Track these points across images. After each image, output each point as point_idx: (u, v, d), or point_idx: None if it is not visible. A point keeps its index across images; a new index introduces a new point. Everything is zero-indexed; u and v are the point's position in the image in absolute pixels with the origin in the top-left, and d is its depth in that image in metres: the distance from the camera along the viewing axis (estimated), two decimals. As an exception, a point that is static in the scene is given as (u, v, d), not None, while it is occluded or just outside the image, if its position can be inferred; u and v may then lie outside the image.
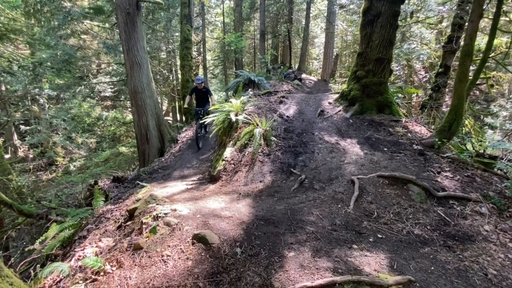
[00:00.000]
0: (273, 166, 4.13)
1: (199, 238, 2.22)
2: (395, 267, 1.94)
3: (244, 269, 1.95)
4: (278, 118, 5.56)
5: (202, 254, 2.11)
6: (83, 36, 13.00)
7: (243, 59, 16.66)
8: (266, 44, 15.94)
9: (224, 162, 4.21)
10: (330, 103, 6.25)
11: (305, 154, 4.37)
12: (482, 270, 2.06)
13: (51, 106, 14.42)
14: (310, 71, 17.38)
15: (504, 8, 4.99)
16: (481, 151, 4.15)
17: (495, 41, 6.81)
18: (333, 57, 13.76)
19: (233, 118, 4.68)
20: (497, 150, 4.72)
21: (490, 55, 6.02)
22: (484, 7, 5.29)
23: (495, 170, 3.59)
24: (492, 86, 6.82)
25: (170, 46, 14.47)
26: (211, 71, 18.02)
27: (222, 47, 14.51)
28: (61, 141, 13.59)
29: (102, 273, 2.16)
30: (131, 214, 3.19)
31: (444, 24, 9.57)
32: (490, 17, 5.80)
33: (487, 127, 7.47)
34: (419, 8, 8.94)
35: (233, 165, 4.19)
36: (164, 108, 20.80)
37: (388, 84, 5.79)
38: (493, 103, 8.06)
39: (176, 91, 15.71)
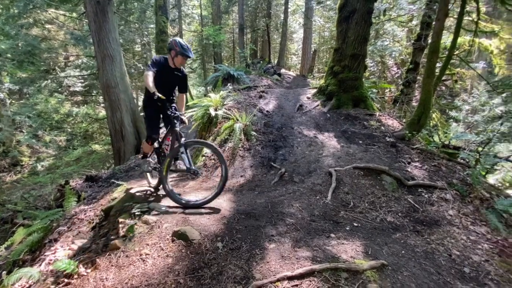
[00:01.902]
0: (254, 161, 4.15)
1: (179, 235, 2.19)
2: (369, 253, 2.04)
3: (225, 263, 1.96)
4: (258, 113, 5.57)
5: (183, 250, 2.09)
6: (47, 26, 12.08)
7: (222, 53, 16.43)
8: (245, 39, 15.81)
9: (204, 157, 4.16)
10: (308, 98, 6.36)
11: (285, 148, 4.43)
12: (447, 251, 2.24)
13: (13, 101, 13.32)
14: (289, 66, 17.54)
15: (468, 8, 5.32)
16: (446, 142, 4.46)
17: (460, 40, 7.28)
18: (311, 52, 13.97)
19: (213, 113, 4.61)
20: (460, 141, 5.10)
21: (455, 53, 6.43)
22: (449, 7, 5.62)
23: (459, 159, 3.89)
24: (456, 81, 7.31)
25: (144, 39, 13.88)
26: (189, 65, 17.57)
27: (200, 41, 14.19)
28: (26, 140, 12.62)
29: (75, 276, 2.06)
30: (106, 214, 3.07)
31: (414, 22, 10.04)
32: (455, 16, 6.18)
33: (452, 120, 8.02)
34: (391, 6, 9.31)
35: (213, 161, 4.15)
36: (140, 103, 20.03)
37: (363, 79, 6.01)
38: (457, 98, 8.65)
39: (152, 85, 15.15)
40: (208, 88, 8.50)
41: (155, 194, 3.28)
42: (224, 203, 2.96)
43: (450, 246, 2.28)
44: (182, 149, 2.88)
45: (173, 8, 13.96)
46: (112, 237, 2.46)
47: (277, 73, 10.87)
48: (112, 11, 7.06)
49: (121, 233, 2.42)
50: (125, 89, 7.33)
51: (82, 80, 13.55)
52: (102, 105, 13.53)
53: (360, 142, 4.02)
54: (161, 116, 3.23)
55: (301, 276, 1.79)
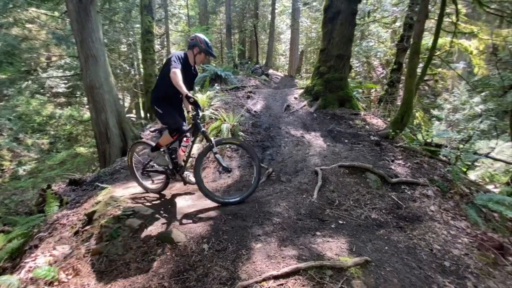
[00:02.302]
0: (242, 161, 4.14)
1: (164, 238, 2.16)
2: (354, 250, 2.07)
3: (211, 265, 1.94)
4: (246, 113, 5.57)
5: (168, 253, 2.06)
6: (28, 26, 11.67)
7: (210, 54, 16.28)
8: (233, 39, 15.79)
9: (191, 159, 4.11)
10: (295, 98, 6.41)
11: (272, 148, 4.45)
12: (428, 246, 2.30)
13: (-8, 103, 12.76)
14: (277, 67, 17.63)
15: (448, 10, 5.51)
16: (429, 140, 4.59)
17: (441, 41, 7.53)
18: (299, 53, 14.11)
19: (200, 114, 4.56)
20: (442, 139, 5.27)
21: (436, 53, 6.64)
22: (430, 9, 5.80)
23: (440, 156, 4.01)
24: (436, 81, 7.55)
25: (130, 39, 13.61)
26: (176, 66, 17.36)
27: (187, 41, 14.05)
28: (6, 143, 12.11)
29: (56, 283, 2.00)
30: (90, 218, 2.98)
31: (398, 24, 10.31)
32: (435, 18, 6.38)
33: (434, 118, 8.28)
34: (375, 8, 9.53)
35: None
36: (127, 104, 19.61)
37: (349, 79, 6.11)
38: (439, 97, 8.94)
39: (139, 86, 14.88)
40: (196, 88, 8.42)
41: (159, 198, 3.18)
42: (210, 204, 2.94)
43: (431, 241, 2.35)
44: (215, 149, 2.92)
45: (159, 8, 13.76)
46: (94, 242, 2.39)
47: (265, 73, 10.90)
48: (95, 10, 6.89)
49: (104, 237, 2.36)
50: (110, 90, 7.16)
51: (66, 81, 13.15)
52: (87, 106, 13.15)
53: (346, 141, 4.09)
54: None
55: (286, 275, 1.80)
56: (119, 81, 14.57)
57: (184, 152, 3.16)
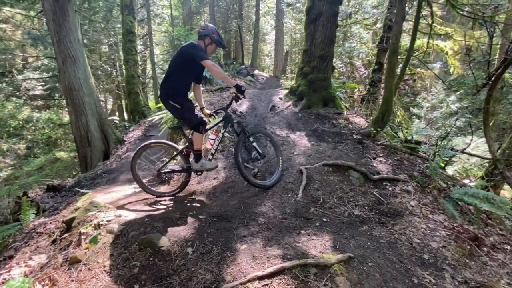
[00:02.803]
0: (227, 162, 4.11)
1: (146, 243, 2.10)
2: (337, 247, 2.11)
3: (195, 268, 1.91)
4: (232, 114, 5.54)
5: (150, 258, 2.01)
6: (2, 26, 11.11)
7: (195, 55, 16.11)
8: (218, 40, 15.68)
9: (175, 161, 4.03)
10: (280, 98, 6.46)
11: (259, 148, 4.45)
12: (409, 240, 2.38)
13: (-38, 107, 12.05)
14: (263, 68, 17.70)
15: (424, 12, 5.72)
16: (409, 137, 4.75)
17: (419, 42, 7.82)
18: (284, 54, 14.23)
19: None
20: (421, 136, 5.46)
21: (414, 54, 6.89)
22: (407, 11, 6.00)
23: (420, 153, 4.16)
24: (415, 81, 7.83)
25: (111, 39, 13.23)
26: (160, 66, 17.05)
27: (172, 41, 13.83)
28: (-22, 149, 11.47)
29: (31, 295, 1.90)
30: (68, 226, 2.86)
31: (378, 25, 10.62)
32: (412, 20, 6.62)
33: (414, 116, 8.59)
34: (356, 10, 9.77)
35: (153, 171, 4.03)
36: (109, 107, 19.05)
37: (332, 79, 6.22)
38: (418, 96, 9.28)
39: (121, 88, 14.49)
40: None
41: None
42: (196, 206, 2.90)
43: (411, 235, 2.42)
44: (252, 138, 3.14)
45: (141, 8, 13.46)
46: (73, 250, 2.30)
47: (250, 74, 10.91)
48: (72, 9, 6.65)
49: (83, 245, 2.28)
50: (90, 92, 6.93)
51: (43, 83, 12.60)
52: (66, 109, 12.66)
53: (330, 140, 4.15)
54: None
55: (271, 275, 1.80)
56: (101, 82, 14.13)
57: (212, 145, 3.20)
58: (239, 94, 2.88)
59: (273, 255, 2.01)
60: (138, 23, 13.17)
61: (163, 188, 3.66)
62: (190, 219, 2.56)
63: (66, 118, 14.05)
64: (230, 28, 14.50)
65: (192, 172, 3.24)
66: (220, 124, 3.26)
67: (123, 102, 15.05)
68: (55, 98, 13.08)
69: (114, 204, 3.11)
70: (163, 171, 3.26)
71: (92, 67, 12.53)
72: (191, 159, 3.21)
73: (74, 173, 10.98)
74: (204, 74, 7.97)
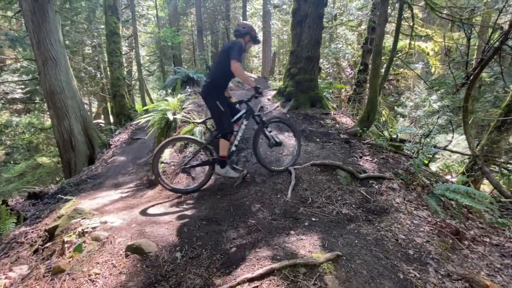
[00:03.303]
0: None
1: (133, 249, 2.06)
2: (326, 246, 2.13)
3: (184, 273, 1.89)
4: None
5: (138, 265, 1.97)
6: (-23, 26, 10.62)
7: (182, 56, 15.97)
8: (205, 41, 15.60)
9: (163, 164, 3.98)
10: (269, 99, 6.48)
11: (247, 149, 4.44)
12: (394, 236, 2.44)
13: None
14: (251, 69, 17.72)
15: (406, 14, 5.90)
16: (394, 136, 4.88)
17: (402, 43, 8.05)
18: (272, 55, 14.30)
19: (171, 117, 4.45)
20: (406, 134, 5.63)
21: (397, 55, 7.08)
22: (390, 13, 6.16)
23: (404, 151, 4.28)
24: (398, 81, 8.05)
25: (95, 40, 12.89)
26: (146, 68, 16.76)
27: (158, 43, 13.62)
28: (-47, 156, 10.89)
29: (11, 309, 1.82)
30: (51, 234, 2.77)
31: (363, 27, 10.86)
32: (395, 22, 6.81)
33: (399, 115, 8.83)
34: (342, 11, 9.96)
35: (173, 167, 3.99)
36: (94, 110, 18.55)
37: (319, 80, 6.30)
38: (402, 96, 9.55)
39: (106, 90, 14.13)
40: (169, 91, 8.19)
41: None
42: (184, 210, 2.87)
43: (397, 232, 2.49)
44: (269, 128, 3.38)
45: (125, 8, 13.20)
46: (56, 259, 2.22)
47: (238, 75, 10.88)
48: (53, 9, 6.44)
49: (67, 253, 2.20)
50: (73, 94, 6.73)
51: (22, 86, 12.11)
52: (48, 113, 12.20)
53: (317, 140, 4.21)
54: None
55: (261, 277, 1.80)
56: (84, 85, 13.74)
57: (236, 136, 3.30)
58: (257, 94, 3.14)
59: (262, 257, 2.01)
60: (123, 24, 12.90)
61: (182, 185, 3.65)
62: (178, 223, 2.53)
63: (48, 122, 13.56)
64: (218, 29, 14.44)
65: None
66: (243, 116, 3.39)
67: (109, 104, 14.68)
68: (36, 101, 12.60)
69: (100, 211, 3.03)
70: (187, 166, 3.30)
71: (75, 69, 12.17)
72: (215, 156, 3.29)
73: (57, 179, 10.61)
74: (191, 76, 7.94)
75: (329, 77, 10.72)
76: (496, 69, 7.55)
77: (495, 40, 3.96)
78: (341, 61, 11.27)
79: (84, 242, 2.26)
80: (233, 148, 3.31)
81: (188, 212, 2.83)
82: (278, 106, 5.82)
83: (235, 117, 3.26)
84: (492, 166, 4.81)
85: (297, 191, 3.03)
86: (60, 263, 2.04)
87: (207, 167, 3.35)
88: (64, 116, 6.45)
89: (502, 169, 4.60)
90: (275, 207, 2.81)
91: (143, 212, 2.91)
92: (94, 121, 13.85)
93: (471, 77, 4.27)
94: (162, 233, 2.36)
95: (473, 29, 4.82)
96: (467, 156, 5.37)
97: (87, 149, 6.87)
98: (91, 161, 6.70)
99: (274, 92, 6.71)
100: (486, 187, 6.18)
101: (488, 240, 2.60)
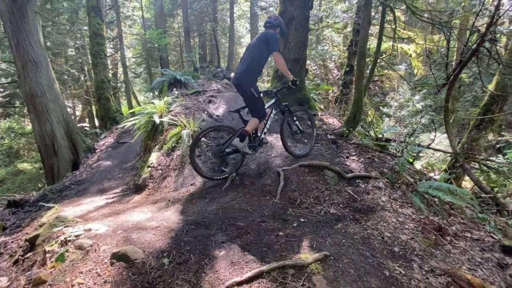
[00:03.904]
0: (205, 167, 4.05)
1: (119, 257, 2.01)
2: (314, 246, 2.15)
3: (172, 279, 1.86)
4: (208, 118, 5.48)
5: (124, 273, 1.92)
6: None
7: (169, 57, 15.78)
8: (193, 42, 15.48)
9: (150, 168, 3.91)
10: (257, 100, 6.49)
11: (236, 152, 4.44)
12: (380, 234, 2.49)
13: None
14: (240, 70, 17.67)
15: (389, 17, 6.07)
16: (380, 135, 4.99)
17: (385, 45, 8.27)
18: (260, 56, 14.32)
19: (157, 121, 4.38)
20: (391, 134, 5.77)
21: (381, 57, 7.28)
22: (373, 16, 6.32)
23: (390, 150, 4.39)
24: (382, 82, 8.26)
25: (78, 42, 12.54)
26: (132, 70, 16.45)
27: (144, 44, 13.41)
28: None
29: (-12, 324, 1.73)
30: (32, 244, 2.66)
31: (348, 29, 11.09)
32: (378, 24, 6.99)
33: (384, 115, 9.04)
34: (328, 14, 10.13)
35: (160, 171, 3.93)
36: (78, 113, 18.04)
37: (306, 82, 6.36)
38: (387, 96, 9.79)
39: (91, 93, 13.76)
40: (156, 93, 8.06)
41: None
42: (172, 215, 2.83)
43: (383, 230, 2.54)
44: (295, 117, 3.66)
45: (110, 9, 12.92)
46: (37, 270, 2.14)
47: (226, 77, 10.87)
48: (32, 10, 6.22)
49: (49, 263, 2.12)
50: (55, 98, 6.52)
51: (1, 89, 11.63)
52: (29, 117, 11.73)
53: (305, 141, 4.25)
54: None
55: (250, 280, 1.80)
56: (67, 88, 13.33)
57: (265, 124, 3.52)
58: (293, 86, 3.46)
59: (251, 259, 2.01)
60: (107, 25, 12.61)
61: (216, 173, 3.78)
62: (166, 229, 2.49)
63: (29, 126, 13.06)
64: (205, 31, 14.36)
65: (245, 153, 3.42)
66: (272, 106, 3.66)
67: (93, 108, 14.31)
68: (16, 105, 12.11)
69: (84, 218, 2.95)
70: (224, 153, 3.45)
71: (57, 71, 11.78)
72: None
73: (39, 185, 10.24)
74: (179, 78, 7.84)
75: (316, 79, 10.87)
76: (475, 70, 7.88)
77: (473, 42, 4.13)
78: (328, 62, 11.46)
79: (66, 251, 2.18)
80: (263, 136, 3.50)
81: (176, 217, 2.79)
82: (266, 108, 5.84)
83: (266, 106, 3.48)
84: (473, 163, 5.00)
85: (285, 192, 3.05)
86: (41, 274, 1.96)
87: (239, 154, 3.56)
88: (45, 120, 6.23)
89: (482, 165, 4.79)
90: (264, 209, 2.81)
91: (129, 218, 2.85)
92: (79, 125, 13.46)
93: (451, 78, 4.43)
94: (149, 239, 2.31)
95: (452, 31, 5.01)
96: (449, 154, 5.56)
97: (71, 154, 6.67)
98: (75, 166, 6.49)
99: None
100: (467, 183, 6.42)
101: (469, 235, 2.69)
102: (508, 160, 4.51)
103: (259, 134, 3.52)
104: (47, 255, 2.21)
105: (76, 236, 2.37)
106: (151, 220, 2.71)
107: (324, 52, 10.08)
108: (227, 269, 1.93)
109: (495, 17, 3.80)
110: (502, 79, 5.20)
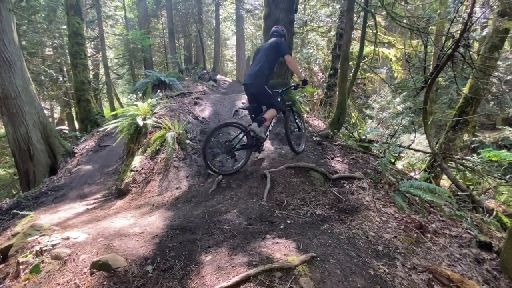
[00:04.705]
0: (190, 170, 3.99)
1: (99, 266, 1.92)
2: (301, 248, 2.16)
3: (156, 287, 1.80)
4: (193, 120, 5.41)
5: (104, 283, 1.84)
6: None
7: (154, 59, 15.47)
8: (178, 44, 15.27)
9: (133, 172, 3.79)
10: (243, 103, 6.49)
11: (222, 154, 4.40)
12: (365, 234, 2.54)
13: None
14: (226, 72, 17.66)
15: (370, 22, 6.26)
16: (363, 137, 5.12)
17: (367, 49, 8.53)
18: (246, 59, 14.37)
19: (141, 123, 4.27)
20: (373, 135, 5.94)
21: (364, 60, 7.49)
22: (356, 20, 6.50)
23: (373, 151, 4.51)
24: (364, 84, 8.50)
25: (56, 41, 12.03)
26: (115, 71, 15.98)
27: (127, 45, 13.06)
28: None
29: None
30: (4, 255, 2.50)
31: (332, 33, 11.34)
32: (361, 29, 7.19)
33: (367, 117, 9.31)
34: (312, 18, 10.32)
35: (144, 175, 3.82)
36: (57, 115, 17.28)
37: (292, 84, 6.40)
38: (370, 98, 10.07)
39: (70, 94, 13.23)
40: (139, 95, 7.86)
41: None
42: (156, 220, 2.75)
43: (367, 229, 2.59)
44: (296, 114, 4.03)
45: (90, 8, 12.51)
46: (9, 283, 2.00)
47: (212, 79, 10.80)
48: (6, 7, 5.90)
49: (22, 276, 2.00)
50: (30, 100, 6.20)
51: (-30, 91, 10.92)
52: (2, 120, 11.09)
53: (292, 142, 4.28)
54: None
55: (237, 284, 1.77)
56: (45, 89, 12.74)
57: (271, 122, 3.73)
58: (303, 86, 3.77)
59: (238, 263, 1.98)
60: (88, 24, 12.20)
61: (227, 167, 3.91)
62: (150, 235, 2.41)
63: (2, 130, 12.34)
64: (190, 32, 14.22)
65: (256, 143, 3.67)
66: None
67: (73, 110, 13.75)
68: (-13, 107, 11.41)
69: (62, 225, 2.81)
70: (234, 149, 3.60)
71: (33, 72, 11.24)
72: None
73: (14, 192, 9.68)
74: (163, 79, 7.69)
75: (308, 85, 11.00)
76: (450, 74, 8.27)
77: (448, 48, 4.34)
78: (313, 65, 11.64)
79: (42, 261, 2.07)
80: (268, 133, 3.75)
81: (161, 222, 2.71)
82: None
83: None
84: (450, 162, 5.24)
85: (272, 194, 3.05)
86: (14, 287, 1.84)
87: (246, 150, 3.75)
88: (20, 123, 5.91)
89: (458, 165, 5.02)
90: (251, 212, 2.80)
91: (111, 225, 2.74)
92: (57, 128, 12.87)
93: (429, 81, 4.62)
94: (132, 246, 2.23)
95: (429, 37, 5.24)
96: (428, 154, 5.79)
97: (48, 158, 6.35)
98: (53, 171, 6.19)
99: (248, 96, 6.73)
100: (445, 182, 6.70)
101: (448, 232, 2.80)
102: (482, 159, 4.76)
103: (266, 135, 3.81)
104: (21, 266, 2.08)
105: (52, 245, 2.25)
106: (134, 226, 2.62)
107: (309, 55, 10.24)
108: (213, 274, 1.89)
109: (468, 24, 4.01)
110: (475, 83, 5.49)
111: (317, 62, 11.16)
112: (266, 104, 3.67)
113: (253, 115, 3.79)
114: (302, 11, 10.93)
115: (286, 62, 3.54)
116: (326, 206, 2.90)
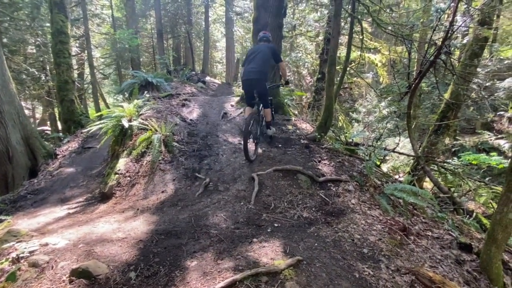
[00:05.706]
0: (177, 173, 3.93)
1: (79, 273, 1.85)
2: (287, 251, 2.16)
3: (139, 294, 1.75)
4: (181, 122, 5.34)
5: (85, 290, 1.77)
6: None
7: (141, 59, 15.21)
8: (166, 44, 15.10)
9: (117, 175, 3.69)
10: (232, 105, 6.48)
11: (210, 157, 4.37)
12: (351, 237, 2.57)
13: None
14: (215, 74, 17.59)
15: (357, 28, 6.40)
16: (350, 140, 5.21)
17: (354, 54, 8.72)
18: (235, 61, 14.37)
19: (126, 125, 4.17)
20: (360, 138, 6.05)
21: (351, 65, 7.64)
22: (343, 26, 6.63)
23: (359, 154, 4.59)
24: (351, 89, 8.68)
25: (39, 39, 11.62)
26: (101, 71, 15.59)
27: (114, 44, 12.77)
28: None
29: None
30: (-24, 263, 2.36)
31: (320, 38, 11.53)
32: (347, 34, 7.34)
33: (354, 121, 9.49)
34: (301, 22, 10.46)
35: (129, 178, 3.73)
36: (38, 115, 16.66)
37: (280, 88, 6.46)
38: (356, 102, 10.29)
39: (53, 94, 12.78)
40: (126, 96, 7.68)
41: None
42: (140, 225, 2.68)
43: (353, 232, 2.63)
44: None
45: (75, 6, 12.18)
46: (-19, 293, 1.89)
47: (201, 80, 10.73)
48: (-16, 3, 5.66)
49: (-4, 285, 1.90)
50: (10, 99, 5.94)
51: None
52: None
53: (280, 145, 4.30)
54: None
55: (222, 290, 1.75)
56: (26, 88, 12.26)
57: (264, 118, 4.15)
58: (286, 85, 4.27)
59: (224, 268, 1.96)
60: (72, 22, 11.85)
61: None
62: (133, 240, 2.35)
63: (-21, 130, 11.75)
64: (179, 33, 14.09)
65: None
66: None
67: (56, 110, 13.28)
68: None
69: (41, 231, 2.69)
70: (256, 138, 3.95)
71: (14, 70, 10.80)
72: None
73: (-10, 195, 9.20)
74: (150, 80, 7.57)
75: (290, 85, 11.11)
76: (432, 80, 8.58)
77: (430, 55, 4.49)
78: (302, 69, 11.80)
79: (19, 269, 1.97)
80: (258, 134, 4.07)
81: (145, 227, 2.65)
82: (241, 112, 5.84)
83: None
84: (432, 165, 5.41)
85: (260, 197, 3.05)
86: (-15, 297, 1.75)
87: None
88: (-1, 124, 5.65)
89: (440, 167, 5.19)
90: (238, 215, 2.78)
91: (93, 230, 2.65)
92: (39, 128, 12.39)
93: (412, 87, 4.76)
94: (114, 251, 2.17)
95: (413, 44, 5.41)
96: (411, 157, 5.96)
97: (28, 160, 6.09)
98: (33, 173, 5.94)
99: (238, 98, 6.74)
100: (428, 184, 6.91)
101: (430, 233, 2.88)
102: (463, 163, 4.94)
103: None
104: (-6, 275, 1.97)
105: (30, 252, 2.15)
106: (118, 231, 2.55)
107: (297, 59, 10.36)
108: (199, 280, 1.86)
109: (450, 32, 4.17)
110: (456, 89, 5.70)
111: (306, 66, 11.31)
112: (263, 102, 3.98)
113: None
114: (291, 16, 11.07)
115: (280, 68, 4.09)
116: (313, 209, 2.93)
